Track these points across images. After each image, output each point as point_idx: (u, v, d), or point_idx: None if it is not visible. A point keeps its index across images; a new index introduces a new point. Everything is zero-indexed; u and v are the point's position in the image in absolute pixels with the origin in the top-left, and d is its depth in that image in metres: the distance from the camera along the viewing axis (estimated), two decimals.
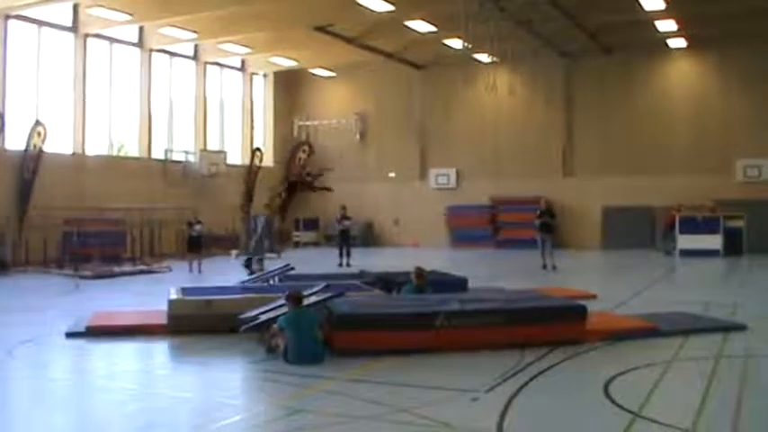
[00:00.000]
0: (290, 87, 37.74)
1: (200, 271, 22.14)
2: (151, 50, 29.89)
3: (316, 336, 9.29)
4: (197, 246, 22.99)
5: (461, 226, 34.06)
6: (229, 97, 35.05)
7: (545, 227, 22.69)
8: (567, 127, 32.94)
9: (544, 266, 21.94)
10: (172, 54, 31.24)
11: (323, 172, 24.00)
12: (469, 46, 26.32)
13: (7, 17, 24.52)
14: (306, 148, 36.87)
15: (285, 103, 37.59)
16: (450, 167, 34.87)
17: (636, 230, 30.81)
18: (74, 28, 26.70)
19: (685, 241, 27.08)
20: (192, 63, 32.38)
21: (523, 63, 30.18)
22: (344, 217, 25.12)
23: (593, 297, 14.47)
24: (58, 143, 26.28)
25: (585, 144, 32.54)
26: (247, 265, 20.15)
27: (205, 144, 32.72)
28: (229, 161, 32.97)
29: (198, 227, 23.18)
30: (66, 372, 9.57)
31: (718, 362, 9.12)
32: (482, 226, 33.63)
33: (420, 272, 12.67)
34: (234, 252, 29.51)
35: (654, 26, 27.78)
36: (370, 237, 35.15)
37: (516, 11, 25.33)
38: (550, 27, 27.58)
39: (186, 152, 31.55)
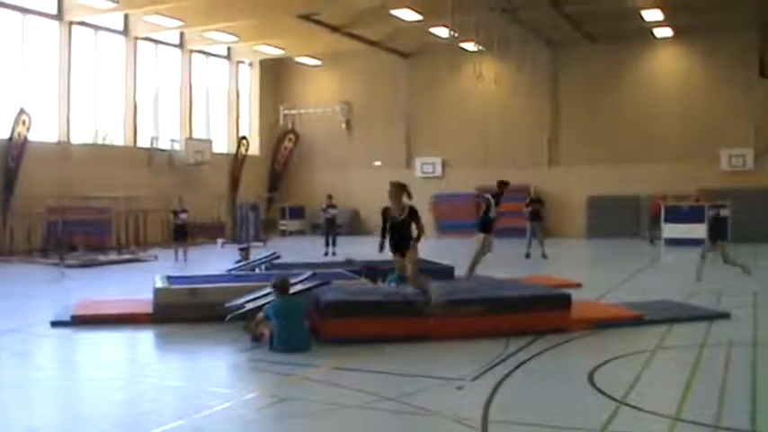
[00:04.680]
0: (276, 76, 37.64)
1: (185, 259, 22.10)
2: (136, 38, 29.73)
3: (302, 324, 9.31)
4: (183, 234, 22.91)
5: (447, 215, 34.08)
6: (215, 85, 34.92)
7: (535, 215, 22.86)
8: (553, 116, 33.01)
9: (527, 255, 22.04)
10: (157, 42, 31.09)
11: None
12: (456, 34, 26.33)
13: None
14: (292, 136, 36.84)
15: (271, 92, 37.50)
16: (436, 156, 34.90)
17: (621, 219, 30.94)
18: (58, 16, 26.52)
19: (670, 230, 27.20)
20: (178, 51, 32.22)
21: (509, 52, 30.13)
22: (330, 205, 25.10)
23: (578, 286, 14.55)
24: (43, 131, 26.12)
25: (571, 133, 32.62)
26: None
27: (191, 132, 32.59)
28: (215, 150, 32.87)
29: (183, 215, 23.10)
30: (51, 361, 9.54)
31: (703, 350, 9.19)
32: (468, 215, 33.61)
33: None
34: (220, 240, 29.47)
35: (640, 15, 27.84)
36: (356, 225, 35.13)
37: None
38: (535, 15, 27.60)
39: (172, 140, 31.42)
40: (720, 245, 15.97)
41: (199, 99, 33.91)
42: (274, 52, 34.22)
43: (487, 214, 16.38)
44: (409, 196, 11.24)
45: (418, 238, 11.12)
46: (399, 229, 11.10)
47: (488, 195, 16.74)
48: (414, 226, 11.18)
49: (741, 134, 29.48)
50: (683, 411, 6.64)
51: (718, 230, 16.24)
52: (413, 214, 11.04)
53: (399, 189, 11.20)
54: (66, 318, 11.25)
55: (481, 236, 16.21)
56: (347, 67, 36.28)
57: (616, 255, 24.21)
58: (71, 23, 26.90)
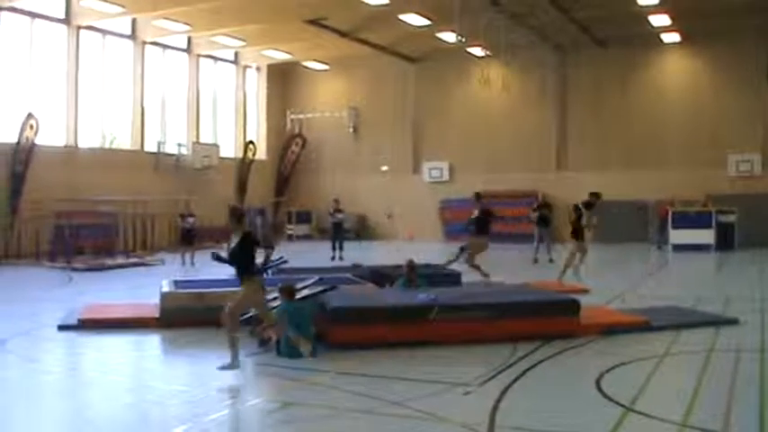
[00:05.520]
0: (283, 80, 37.68)
1: (192, 263, 22.11)
2: (144, 43, 29.79)
3: (308, 329, 9.29)
4: (190, 238, 22.95)
5: (455, 219, 33.99)
6: (222, 90, 34.97)
7: (543, 220, 22.87)
8: (561, 121, 32.92)
9: (535, 261, 22.02)
10: (165, 47, 31.14)
11: None
12: (463, 39, 26.32)
13: None
14: (299, 141, 36.85)
15: (278, 96, 37.52)
16: (443, 161, 34.85)
17: (629, 225, 30.82)
18: (66, 20, 26.59)
19: (678, 236, 27.12)
20: (185, 56, 32.27)
21: (517, 57, 30.15)
22: (337, 210, 25.08)
23: (586, 291, 14.51)
24: (51, 136, 26.16)
25: (579, 138, 32.52)
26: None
27: (198, 137, 32.63)
28: (222, 154, 32.88)
29: (191, 219, 23.13)
30: (58, 365, 9.54)
31: (710, 356, 9.15)
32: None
33: (411, 265, 12.73)
34: (227, 245, 29.46)
35: (647, 20, 27.79)
36: (363, 230, 35.12)
37: (509, 3, 25.31)
38: (543, 20, 27.55)
39: (179, 145, 31.45)
40: (466, 252, 16.20)
41: (206, 103, 33.95)
42: (282, 57, 34.26)
43: (579, 222, 16.64)
44: (239, 221, 9.07)
45: (264, 267, 8.99)
46: (234, 258, 8.92)
47: (580, 205, 17.05)
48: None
49: (749, 139, 29.38)
50: (691, 418, 6.60)
51: (484, 226, 16.91)
52: (242, 242, 8.83)
53: (231, 215, 9.20)
54: (74, 321, 11.28)
55: (574, 242, 16.62)
56: (354, 72, 36.30)
57: (624, 260, 24.15)
58: (79, 28, 26.96)
